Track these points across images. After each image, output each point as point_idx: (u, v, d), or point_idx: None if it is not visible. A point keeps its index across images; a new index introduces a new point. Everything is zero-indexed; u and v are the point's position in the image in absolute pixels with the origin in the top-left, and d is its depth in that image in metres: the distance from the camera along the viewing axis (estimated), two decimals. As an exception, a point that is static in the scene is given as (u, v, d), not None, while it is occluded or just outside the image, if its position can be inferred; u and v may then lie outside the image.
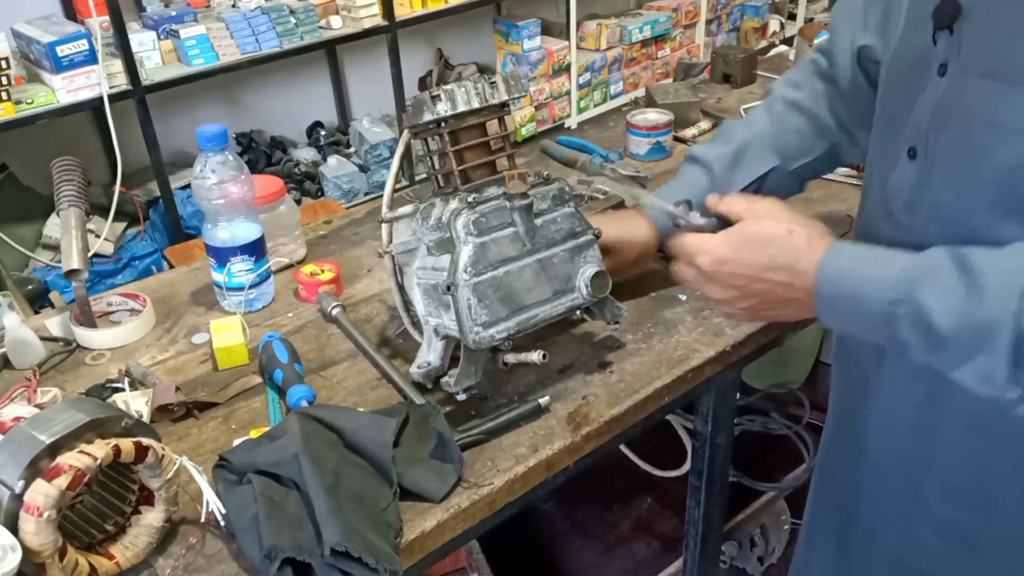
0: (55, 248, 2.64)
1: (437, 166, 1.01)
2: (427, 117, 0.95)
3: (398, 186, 3.63)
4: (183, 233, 2.80)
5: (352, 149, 3.46)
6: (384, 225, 1.04)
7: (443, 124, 0.96)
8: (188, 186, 2.98)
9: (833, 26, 1.04)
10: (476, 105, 0.95)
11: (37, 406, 0.91)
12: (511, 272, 0.94)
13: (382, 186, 3.41)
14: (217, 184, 1.13)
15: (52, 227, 2.68)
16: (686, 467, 1.71)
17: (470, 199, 0.93)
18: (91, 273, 2.61)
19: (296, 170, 3.22)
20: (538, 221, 0.96)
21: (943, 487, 0.86)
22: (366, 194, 3.34)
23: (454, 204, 0.95)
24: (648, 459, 1.73)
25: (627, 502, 1.68)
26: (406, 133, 1.03)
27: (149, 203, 2.87)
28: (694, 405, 1.26)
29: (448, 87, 0.95)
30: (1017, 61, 0.67)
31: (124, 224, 2.78)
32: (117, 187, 2.43)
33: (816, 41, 1.19)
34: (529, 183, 0.96)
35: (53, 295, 2.36)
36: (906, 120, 0.79)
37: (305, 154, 3.35)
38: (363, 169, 3.35)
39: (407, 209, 1.02)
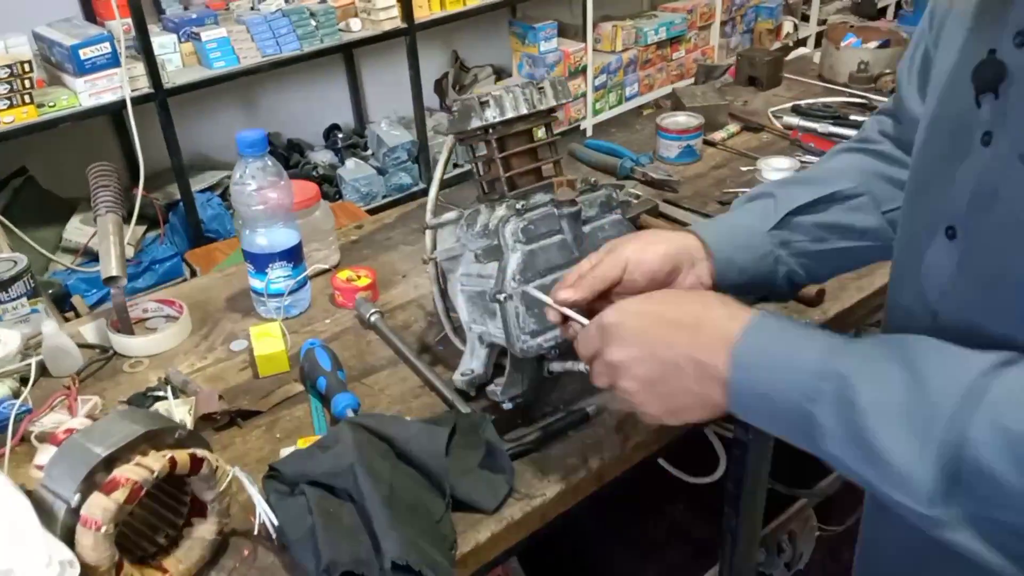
0: (75, 251, 2.64)
1: (482, 172, 1.00)
2: (475, 123, 0.94)
3: (414, 189, 3.60)
4: (203, 236, 2.80)
5: (369, 152, 3.45)
6: (428, 231, 1.03)
7: (491, 130, 0.95)
8: (208, 189, 2.99)
9: (899, 87, 0.90)
10: (524, 111, 0.94)
11: (91, 417, 0.90)
12: (559, 280, 0.92)
13: (401, 188, 3.42)
14: (256, 190, 1.13)
15: (72, 230, 2.68)
16: (718, 473, 1.70)
17: (518, 206, 0.92)
18: (112, 277, 2.63)
19: (314, 173, 3.22)
20: (586, 228, 0.95)
21: None
22: (384, 197, 3.33)
23: (501, 211, 0.94)
24: (678, 465, 1.72)
25: (660, 508, 1.67)
26: (450, 139, 1.02)
27: (169, 206, 2.87)
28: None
29: (496, 93, 0.94)
30: None
31: (144, 228, 2.78)
32: (139, 191, 2.43)
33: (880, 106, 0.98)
34: (578, 190, 0.95)
35: (76, 299, 2.36)
36: (944, 191, 0.68)
37: (322, 157, 3.35)
38: (381, 172, 3.35)
39: (451, 215, 1.01)
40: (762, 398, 0.62)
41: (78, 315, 2.22)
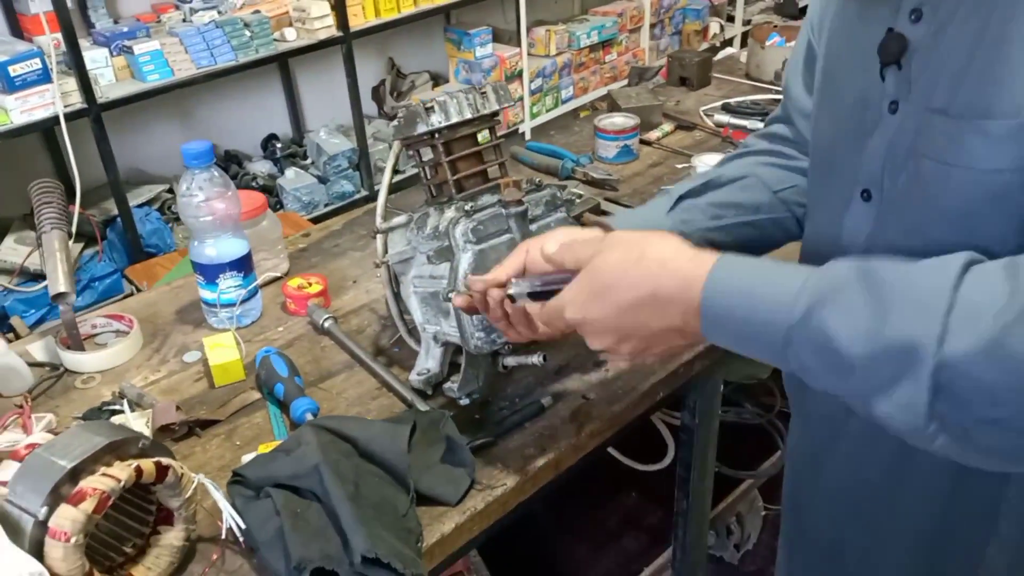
0: (10, 272, 2.58)
1: (430, 176, 1.03)
2: (421, 129, 0.96)
3: (356, 197, 3.58)
4: (143, 252, 2.76)
5: (309, 160, 3.44)
6: (379, 236, 1.06)
7: (436, 135, 0.98)
8: (146, 204, 2.94)
9: (786, 90, 0.99)
10: (468, 116, 0.97)
11: (52, 432, 0.90)
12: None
13: (343, 196, 3.42)
14: (204, 201, 1.13)
15: (6, 250, 2.61)
16: (666, 460, 1.75)
17: (467, 208, 0.95)
18: (49, 297, 2.57)
19: (253, 183, 3.19)
20: (533, 227, 0.98)
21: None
22: (326, 205, 3.32)
23: (450, 213, 0.97)
24: (628, 454, 1.77)
25: (612, 498, 1.71)
26: (397, 144, 1.05)
27: (106, 223, 2.81)
28: (680, 399, 1.30)
29: (441, 98, 0.96)
30: (965, 96, 0.63)
31: (81, 245, 2.72)
32: (77, 208, 2.38)
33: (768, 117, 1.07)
34: (524, 190, 0.99)
35: (14, 320, 2.30)
36: (857, 161, 0.75)
37: (261, 167, 3.33)
38: (322, 180, 3.34)
39: (401, 219, 1.04)
40: (736, 334, 0.65)
41: (17, 336, 2.17)
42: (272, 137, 3.45)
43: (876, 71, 0.71)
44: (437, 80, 4.04)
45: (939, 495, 0.80)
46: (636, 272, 0.68)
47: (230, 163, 3.27)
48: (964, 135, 0.63)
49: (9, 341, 1.15)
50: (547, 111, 4.23)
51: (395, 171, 1.06)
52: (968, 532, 0.81)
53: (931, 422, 0.56)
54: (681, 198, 0.96)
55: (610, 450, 1.71)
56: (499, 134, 1.04)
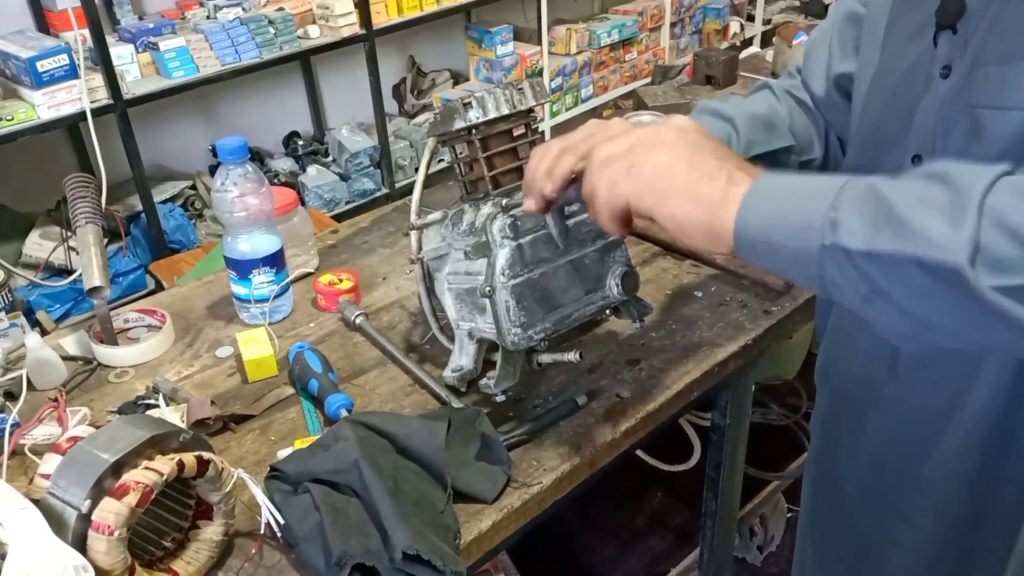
0: (35, 267, 2.60)
1: (465, 172, 1.03)
2: (458, 124, 0.96)
3: (377, 194, 3.59)
4: (167, 248, 2.77)
5: (331, 158, 3.44)
6: (413, 232, 1.05)
7: (473, 131, 0.97)
8: (170, 200, 2.95)
9: (808, 54, 1.01)
10: (506, 111, 0.97)
11: (94, 425, 0.90)
12: (546, 273, 0.95)
13: (364, 194, 3.42)
14: (238, 197, 1.13)
15: (32, 246, 2.63)
16: (692, 461, 1.74)
17: (503, 203, 0.95)
18: (74, 292, 2.59)
19: (275, 180, 3.20)
20: (569, 223, 0.98)
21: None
22: (347, 203, 3.33)
23: (487, 209, 0.96)
24: (654, 455, 1.76)
25: (639, 498, 1.71)
26: (432, 141, 1.05)
27: (130, 218, 2.83)
28: (709, 400, 1.29)
29: (479, 94, 0.96)
30: (1019, 44, 0.66)
31: (105, 241, 2.73)
32: (103, 203, 2.39)
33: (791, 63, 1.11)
34: (561, 186, 0.98)
35: (40, 315, 2.31)
36: (906, 129, 0.77)
37: (283, 164, 3.34)
38: (343, 178, 3.34)
39: (436, 216, 1.04)
40: (774, 216, 0.61)
41: (44, 330, 2.18)
42: (294, 134, 3.46)
43: (930, 37, 0.73)
44: (457, 78, 4.04)
45: (968, 472, 0.80)
46: (692, 139, 0.67)
47: (252, 160, 3.28)
48: (1020, 75, 0.65)
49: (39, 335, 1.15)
50: (567, 110, 4.22)
51: (415, 170, 1.06)
52: (999, 512, 0.80)
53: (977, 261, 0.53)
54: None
55: (637, 452, 1.70)
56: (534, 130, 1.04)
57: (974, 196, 0.54)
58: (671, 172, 0.65)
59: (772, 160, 0.98)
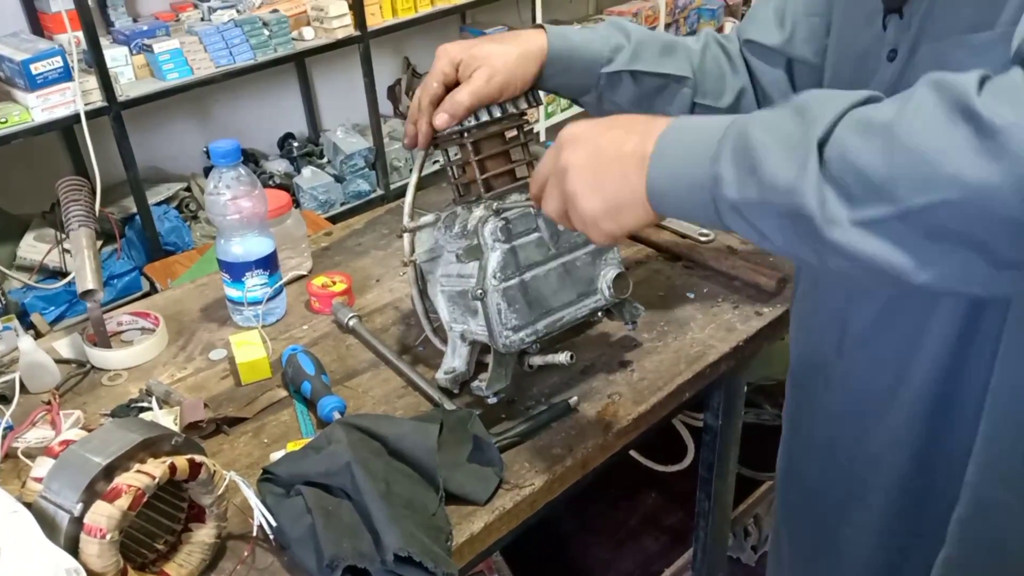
0: (30, 269, 2.60)
1: (457, 175, 1.03)
2: (451, 128, 0.96)
3: (372, 196, 3.59)
4: (161, 250, 2.77)
5: (326, 159, 3.45)
6: (406, 235, 1.06)
7: (466, 134, 0.98)
8: (164, 202, 2.95)
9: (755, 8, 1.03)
10: (498, 114, 0.97)
11: (86, 428, 0.91)
12: (538, 276, 0.96)
13: (359, 195, 3.42)
14: (231, 200, 1.14)
15: (26, 248, 2.63)
16: (686, 462, 1.75)
17: (495, 207, 0.95)
18: (69, 294, 2.59)
19: (270, 182, 3.20)
20: (560, 226, 0.98)
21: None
22: (342, 204, 3.33)
23: (479, 212, 0.97)
24: (648, 455, 1.77)
25: (632, 498, 1.71)
26: (425, 144, 1.05)
27: (124, 221, 2.83)
28: (702, 400, 1.30)
29: (470, 98, 0.96)
30: (951, 21, 0.67)
31: (99, 243, 2.73)
32: (97, 205, 2.39)
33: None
34: (552, 189, 0.98)
35: (35, 317, 2.32)
36: None
37: (278, 166, 3.34)
38: (338, 179, 3.34)
39: (429, 218, 1.04)
40: (677, 162, 0.65)
41: (38, 333, 2.18)
42: (289, 136, 3.47)
43: (879, 23, 0.75)
44: (453, 79, 4.04)
45: (914, 447, 0.81)
46: (607, 121, 0.72)
47: (247, 162, 3.27)
48: (948, 53, 0.67)
49: (33, 338, 1.15)
50: (562, 111, 4.22)
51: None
52: (945, 486, 0.81)
53: (825, 202, 0.55)
54: (627, 71, 0.98)
55: (631, 452, 1.71)
56: (527, 132, 1.04)
57: (816, 132, 0.56)
58: (584, 173, 0.71)
59: (665, 91, 1.00)
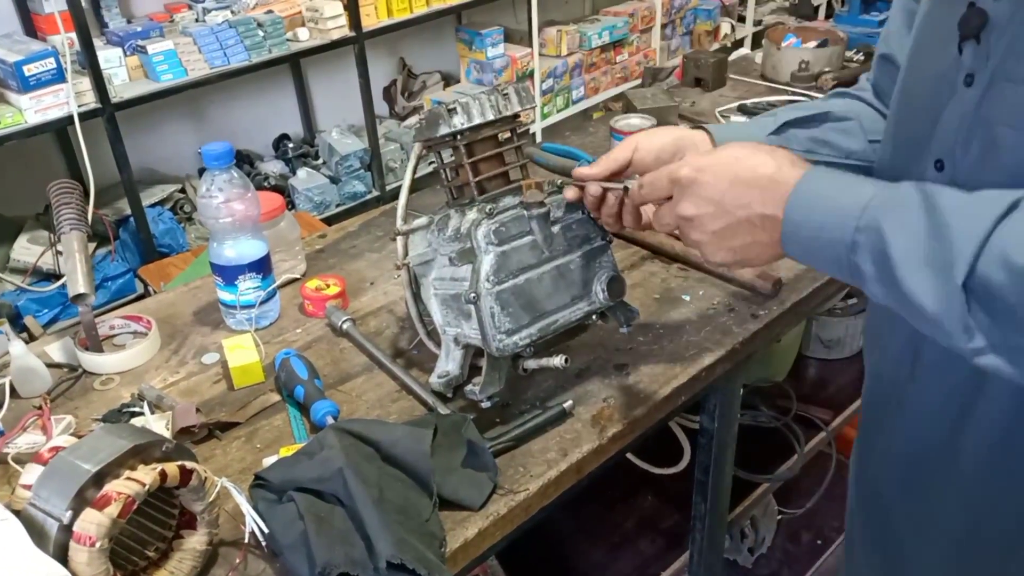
0: (23, 271, 2.59)
1: (450, 178, 1.03)
2: (443, 130, 0.96)
3: (367, 197, 3.58)
4: (156, 252, 2.76)
5: (321, 161, 3.44)
6: (399, 238, 1.05)
7: (458, 137, 0.97)
8: (159, 203, 2.95)
9: (889, 40, 0.99)
10: (491, 117, 0.97)
11: (75, 435, 0.90)
12: (531, 279, 0.95)
13: (354, 197, 3.42)
14: (224, 202, 1.13)
15: (20, 250, 2.62)
16: (682, 464, 1.74)
17: (488, 209, 0.95)
18: (62, 297, 2.58)
19: (265, 184, 3.20)
20: (554, 228, 0.98)
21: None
22: (338, 205, 3.33)
23: (472, 215, 0.96)
24: (644, 457, 1.76)
25: (628, 501, 1.70)
26: (417, 146, 1.04)
27: (118, 222, 2.82)
28: (698, 403, 1.29)
29: (463, 100, 0.96)
30: None
31: (94, 245, 2.72)
32: (91, 207, 2.39)
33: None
34: (545, 192, 0.98)
35: (28, 320, 2.31)
36: (930, 134, 0.78)
37: (273, 167, 3.33)
38: (334, 181, 3.34)
39: (422, 221, 1.03)
40: (811, 240, 0.69)
41: (32, 336, 2.17)
42: (284, 137, 3.46)
43: (955, 46, 0.74)
44: (448, 80, 4.04)
45: (991, 453, 0.82)
46: (745, 165, 0.73)
47: (242, 163, 3.28)
48: None
49: (25, 341, 1.15)
50: (558, 111, 4.22)
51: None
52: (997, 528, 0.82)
53: (971, 335, 0.60)
54: (788, 124, 0.99)
55: (627, 454, 1.70)
56: (520, 135, 1.03)
57: (961, 269, 0.59)
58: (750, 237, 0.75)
59: (834, 131, 0.99)
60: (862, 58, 2.13)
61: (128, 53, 2.70)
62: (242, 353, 1.10)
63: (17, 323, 2.40)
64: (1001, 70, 0.70)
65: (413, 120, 3.75)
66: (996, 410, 0.78)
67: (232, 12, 2.94)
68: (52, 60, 2.36)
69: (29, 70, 2.33)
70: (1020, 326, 0.58)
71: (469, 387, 0.98)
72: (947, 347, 0.63)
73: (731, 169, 0.74)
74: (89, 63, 2.47)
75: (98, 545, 0.70)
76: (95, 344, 1.16)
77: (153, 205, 2.91)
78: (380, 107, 3.77)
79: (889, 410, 0.93)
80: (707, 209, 0.75)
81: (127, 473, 0.74)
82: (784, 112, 1.01)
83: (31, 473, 0.79)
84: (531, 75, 4.00)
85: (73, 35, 2.43)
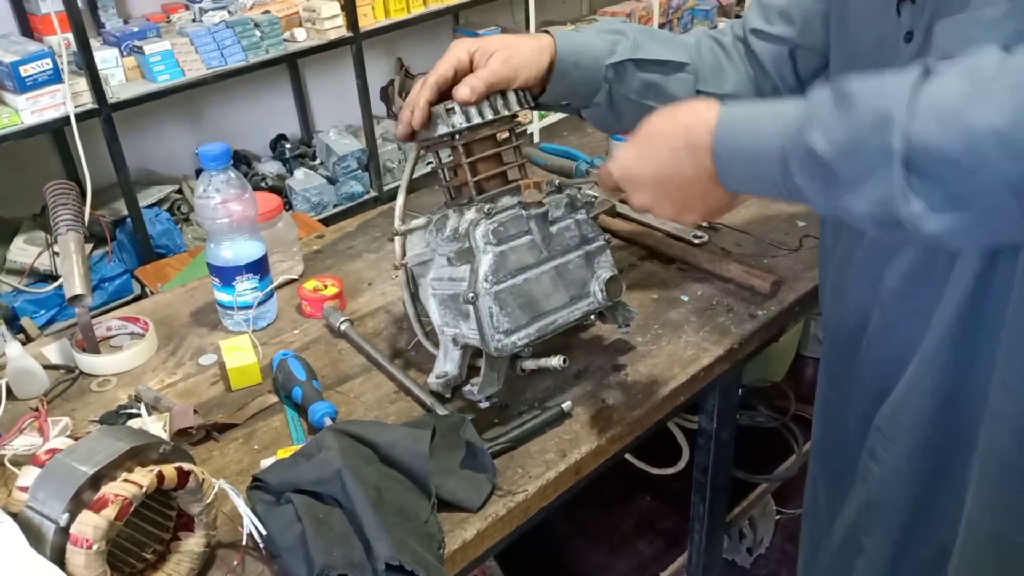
0: (20, 272, 2.58)
1: (449, 178, 1.02)
2: (442, 130, 0.96)
3: (365, 197, 3.57)
4: (153, 252, 2.75)
5: (318, 161, 3.43)
6: (397, 238, 1.05)
7: (457, 137, 0.97)
8: (156, 204, 2.94)
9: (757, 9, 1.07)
10: (489, 117, 0.96)
11: (72, 437, 0.90)
12: (530, 279, 0.95)
13: (352, 197, 3.41)
14: (221, 203, 1.13)
15: (16, 251, 2.61)
16: (681, 464, 1.74)
17: (486, 209, 0.95)
18: (59, 298, 2.57)
19: (263, 184, 3.19)
20: (553, 228, 0.98)
21: None
22: (335, 206, 3.32)
23: (471, 215, 0.96)
24: (642, 458, 1.76)
25: (627, 502, 1.70)
26: (415, 146, 1.04)
27: (115, 223, 2.81)
28: (696, 403, 1.29)
29: (462, 100, 0.95)
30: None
31: (91, 246, 2.72)
32: (87, 208, 2.38)
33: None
34: (544, 192, 0.98)
35: (25, 321, 2.30)
36: None
37: (270, 167, 3.32)
38: (331, 181, 3.33)
39: (420, 221, 1.03)
40: (747, 179, 0.72)
41: (29, 337, 2.17)
42: (281, 137, 3.45)
43: (893, 9, 0.79)
44: (446, 80, 4.03)
45: (936, 384, 0.82)
46: (672, 122, 0.77)
47: (239, 164, 3.27)
48: (965, 28, 0.69)
49: (22, 343, 1.14)
50: (555, 112, 4.21)
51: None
52: (965, 431, 0.82)
53: (910, 202, 0.60)
54: (631, 60, 1.01)
55: (626, 455, 1.70)
56: (518, 135, 1.03)
57: (900, 129, 0.59)
58: (691, 193, 0.78)
59: (670, 79, 1.03)
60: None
61: (125, 53, 2.69)
62: (240, 354, 1.10)
63: (14, 324, 2.39)
64: (935, 15, 0.73)
65: (411, 120, 3.74)
66: (951, 325, 0.79)
67: (229, 12, 2.93)
68: (49, 60, 2.35)
69: (25, 71, 2.32)
70: (964, 174, 0.58)
71: (468, 387, 0.97)
72: (894, 238, 0.65)
73: (650, 152, 0.78)
74: (86, 64, 2.46)
75: (95, 547, 0.70)
76: (92, 345, 1.16)
77: (150, 206, 2.90)
78: (377, 107, 3.76)
79: (858, 349, 0.93)
80: (651, 195, 0.80)
81: (124, 475, 0.74)
82: (634, 43, 1.01)
83: (28, 475, 0.79)
84: (529, 75, 3.99)
85: (70, 35, 2.43)
